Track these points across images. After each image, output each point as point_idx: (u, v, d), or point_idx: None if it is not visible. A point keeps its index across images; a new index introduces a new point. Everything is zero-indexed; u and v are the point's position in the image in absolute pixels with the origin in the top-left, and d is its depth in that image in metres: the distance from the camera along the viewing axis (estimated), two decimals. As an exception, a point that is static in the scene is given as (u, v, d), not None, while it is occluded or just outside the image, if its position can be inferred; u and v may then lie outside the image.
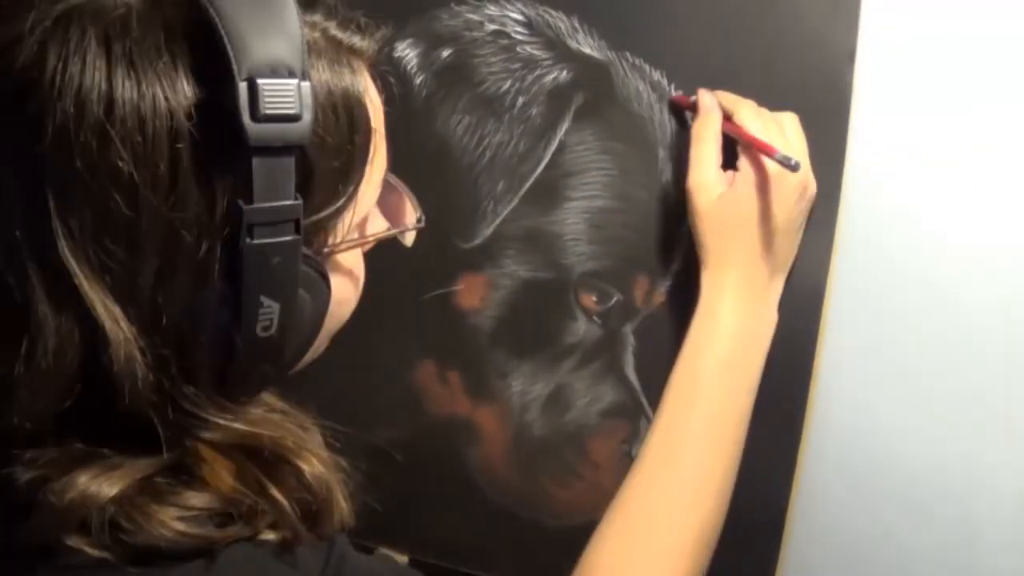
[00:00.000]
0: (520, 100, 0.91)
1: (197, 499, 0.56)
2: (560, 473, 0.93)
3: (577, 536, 0.92)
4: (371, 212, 0.64)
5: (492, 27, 0.92)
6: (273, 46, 0.49)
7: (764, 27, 0.85)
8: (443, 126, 0.94)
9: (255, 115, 0.48)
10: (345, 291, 0.64)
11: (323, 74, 0.55)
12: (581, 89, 0.90)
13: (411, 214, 0.70)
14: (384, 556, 0.69)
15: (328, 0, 0.58)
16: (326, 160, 0.55)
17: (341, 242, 0.59)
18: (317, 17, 0.56)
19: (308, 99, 0.50)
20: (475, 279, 0.94)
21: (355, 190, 0.58)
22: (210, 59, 0.49)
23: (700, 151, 0.81)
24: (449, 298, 0.95)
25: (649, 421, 0.90)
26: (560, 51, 0.91)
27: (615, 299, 0.91)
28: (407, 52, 0.95)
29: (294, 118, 0.50)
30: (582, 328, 0.91)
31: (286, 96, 0.49)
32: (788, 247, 0.82)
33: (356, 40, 0.58)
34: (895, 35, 0.83)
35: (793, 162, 0.75)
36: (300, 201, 0.52)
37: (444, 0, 0.93)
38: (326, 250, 0.59)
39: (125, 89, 0.49)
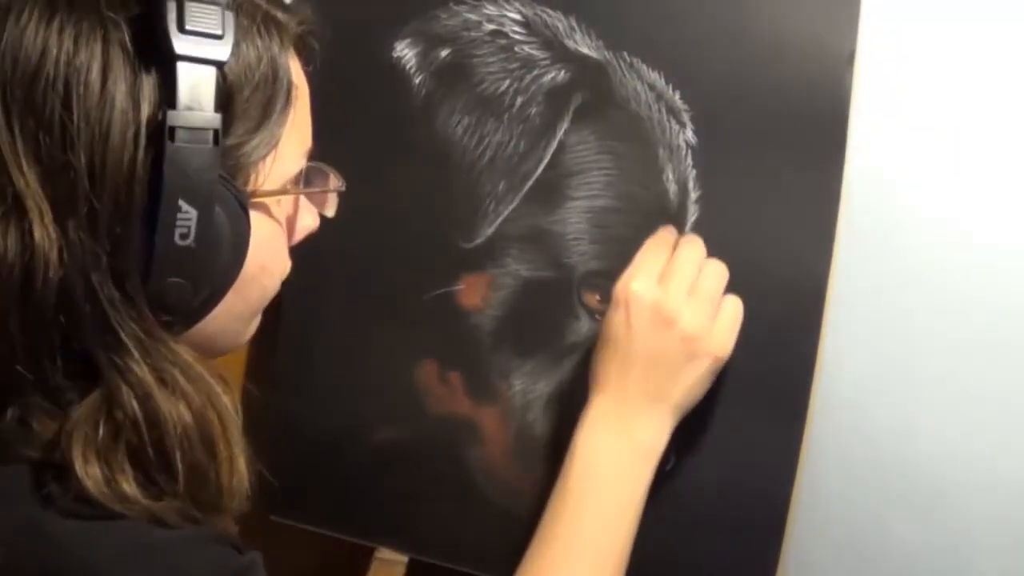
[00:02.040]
0: (519, 100, 0.91)
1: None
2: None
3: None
4: (296, 183, 0.69)
5: (490, 27, 0.92)
6: None
7: (763, 27, 0.85)
8: (442, 126, 0.94)
9: (181, 27, 0.55)
10: (267, 253, 0.67)
11: (249, 20, 0.62)
12: (579, 89, 0.90)
13: (333, 182, 0.75)
14: None
15: None
16: (247, 90, 0.61)
17: (262, 189, 0.64)
18: None
19: (231, 24, 0.57)
20: (477, 279, 0.94)
21: (275, 135, 0.64)
22: None
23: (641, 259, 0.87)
24: (451, 298, 0.95)
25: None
26: (558, 51, 0.91)
27: (617, 298, 0.91)
28: (406, 52, 0.95)
29: (216, 36, 0.56)
30: (585, 327, 0.92)
31: (210, 16, 0.56)
32: (661, 379, 0.82)
33: (278, 13, 0.65)
34: (895, 36, 0.83)
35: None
36: (219, 115, 0.58)
37: (443, 0, 0.93)
38: (249, 188, 0.63)
39: (62, 12, 0.56)
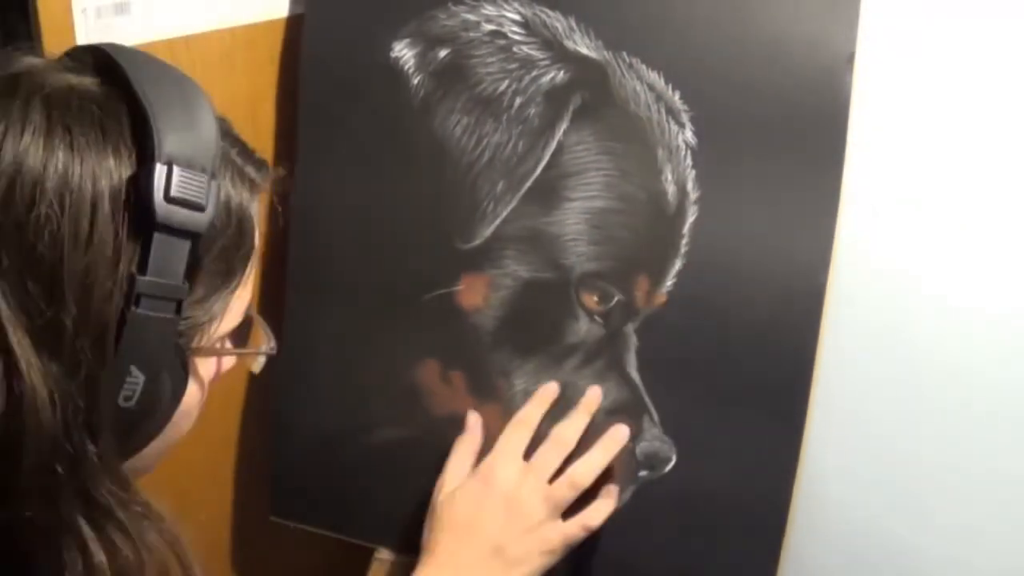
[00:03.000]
0: (518, 101, 0.91)
1: None
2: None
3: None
4: (234, 337, 0.68)
5: (489, 27, 0.92)
6: (192, 143, 0.56)
7: (763, 28, 0.85)
8: (441, 126, 0.93)
9: (167, 196, 0.55)
10: (192, 402, 0.65)
11: (226, 182, 0.61)
12: (578, 90, 0.90)
13: (265, 341, 0.72)
14: None
15: (234, 132, 0.64)
16: (213, 259, 0.60)
17: (201, 346, 0.63)
18: (225, 143, 0.62)
19: (213, 196, 0.57)
20: (476, 279, 0.94)
21: (227, 300, 0.63)
22: (136, 141, 0.56)
23: (451, 462, 0.92)
24: (451, 298, 0.95)
25: (652, 419, 0.91)
26: (557, 51, 0.90)
27: (616, 299, 0.91)
28: (404, 52, 0.94)
29: (199, 207, 0.56)
30: (584, 328, 0.92)
31: (197, 186, 0.56)
32: (496, 568, 0.85)
33: (251, 171, 0.64)
34: (895, 36, 0.83)
35: None
36: (186, 285, 0.57)
37: (442, 0, 0.93)
38: (192, 346, 0.62)
39: (61, 151, 0.54)
